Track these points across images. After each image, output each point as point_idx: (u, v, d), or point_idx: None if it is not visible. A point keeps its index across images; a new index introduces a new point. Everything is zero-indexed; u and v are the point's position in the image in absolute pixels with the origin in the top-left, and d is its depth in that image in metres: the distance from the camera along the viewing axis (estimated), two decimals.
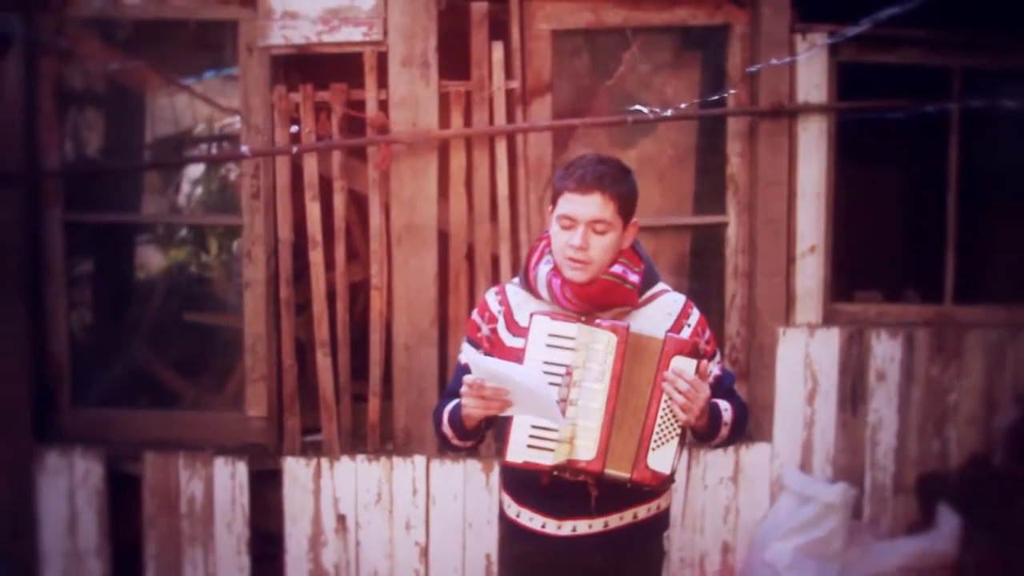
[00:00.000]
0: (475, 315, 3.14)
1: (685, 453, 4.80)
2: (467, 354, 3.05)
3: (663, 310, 3.05)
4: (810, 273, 4.90)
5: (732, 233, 4.95)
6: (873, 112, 4.87)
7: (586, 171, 2.90)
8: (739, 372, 4.92)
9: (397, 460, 4.76)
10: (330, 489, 4.77)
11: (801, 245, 4.87)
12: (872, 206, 5.88)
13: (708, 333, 3.09)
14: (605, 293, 2.94)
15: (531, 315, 2.90)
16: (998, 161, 5.32)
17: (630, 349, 2.83)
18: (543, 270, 3.00)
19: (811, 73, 4.84)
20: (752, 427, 4.91)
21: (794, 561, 4.63)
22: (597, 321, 2.86)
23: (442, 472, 4.75)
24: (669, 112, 4.69)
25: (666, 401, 2.82)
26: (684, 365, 2.82)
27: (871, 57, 4.92)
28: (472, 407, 2.82)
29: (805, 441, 4.91)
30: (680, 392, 2.80)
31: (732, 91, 4.84)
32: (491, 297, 3.13)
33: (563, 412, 2.81)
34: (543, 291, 2.99)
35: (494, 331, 3.07)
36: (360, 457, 4.77)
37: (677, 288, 3.15)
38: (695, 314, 3.08)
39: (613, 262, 2.95)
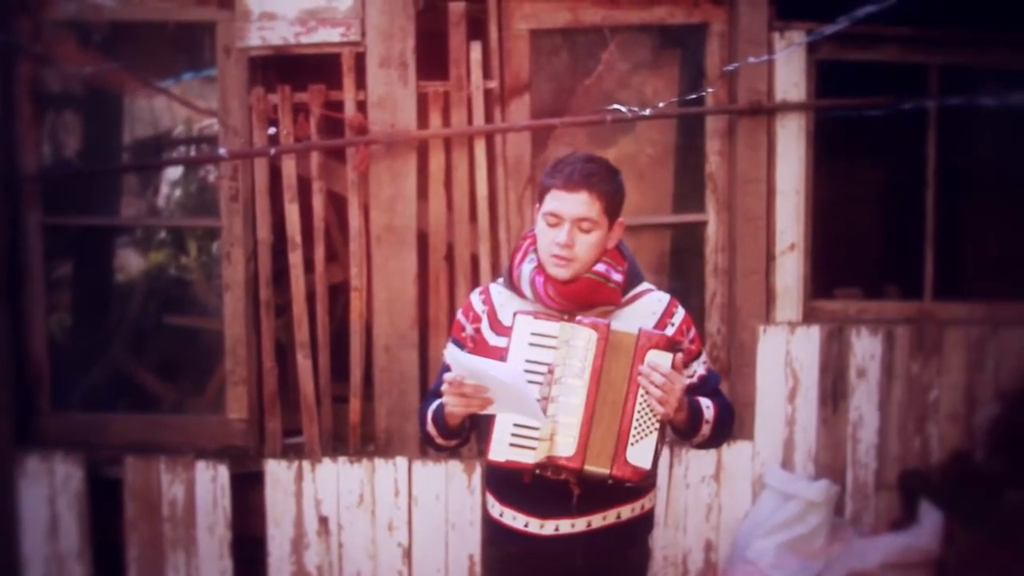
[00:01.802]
0: (460, 315, 3.14)
1: (667, 452, 4.80)
2: (449, 352, 3.05)
3: (647, 309, 3.04)
4: (790, 271, 4.90)
5: (712, 231, 4.95)
6: (851, 110, 4.88)
7: (574, 169, 2.90)
8: (720, 370, 4.91)
9: (379, 461, 4.75)
10: (312, 491, 4.76)
11: (781, 243, 4.88)
12: (851, 203, 5.90)
13: (693, 332, 3.09)
14: (588, 292, 2.94)
15: (514, 314, 2.90)
16: (976, 158, 5.34)
17: (610, 345, 2.82)
18: (527, 268, 3.00)
19: (789, 71, 4.84)
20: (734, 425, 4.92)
21: (777, 558, 4.64)
22: (579, 318, 2.87)
23: (424, 473, 4.75)
24: (648, 111, 4.71)
25: (643, 395, 2.82)
26: (659, 359, 2.82)
27: (849, 55, 4.94)
28: (453, 405, 2.82)
29: (787, 439, 4.92)
30: (655, 385, 2.79)
31: (711, 90, 4.85)
32: (475, 297, 3.13)
33: (544, 410, 2.80)
34: (526, 289, 2.99)
35: (478, 330, 3.07)
36: (342, 459, 4.76)
37: (656, 287, 3.15)
38: (680, 313, 3.07)
39: (597, 261, 2.96)
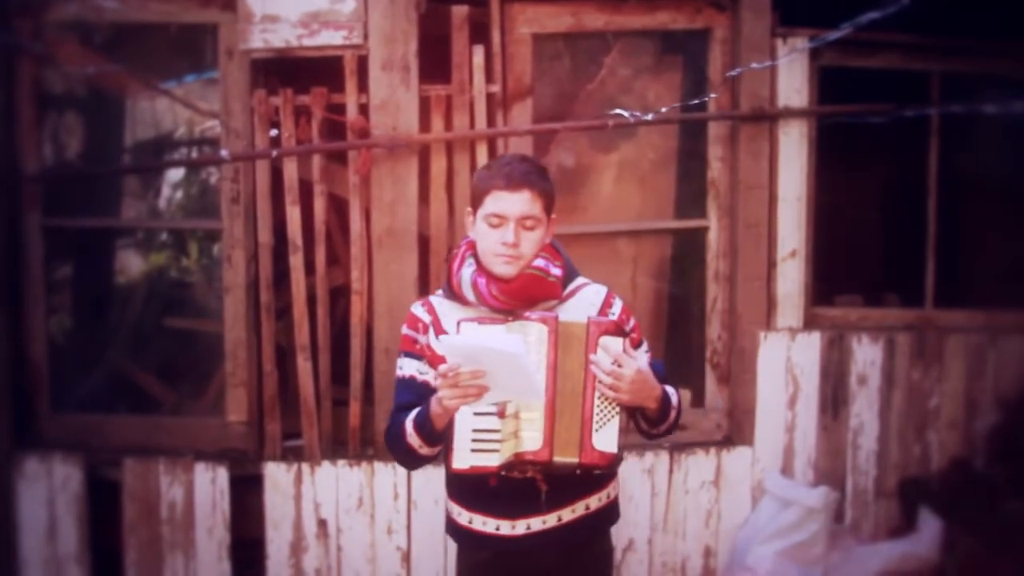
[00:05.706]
0: (406, 330, 3.15)
1: (667, 457, 4.80)
2: (408, 366, 3.11)
3: (587, 301, 3.14)
4: (791, 277, 4.90)
5: (713, 237, 4.94)
6: (853, 116, 4.88)
7: (512, 169, 2.98)
8: (720, 376, 4.93)
9: (378, 465, 4.75)
10: (311, 494, 4.76)
11: (782, 249, 4.88)
12: (853, 210, 5.89)
13: (633, 322, 3.18)
14: (531, 286, 3.01)
15: (458, 323, 2.95)
16: (978, 165, 5.33)
17: (562, 338, 2.89)
18: (467, 272, 3.05)
19: (792, 77, 4.84)
20: (734, 431, 4.93)
21: (776, 565, 4.64)
22: (526, 315, 2.93)
23: (423, 477, 4.73)
24: (650, 116, 4.69)
25: (600, 382, 2.88)
26: (610, 343, 2.89)
27: (852, 61, 4.93)
28: (448, 399, 2.81)
29: (787, 445, 4.91)
30: (606, 372, 2.86)
31: (713, 95, 4.84)
32: (418, 309, 3.17)
33: (503, 412, 2.85)
34: (468, 293, 3.04)
35: (426, 341, 3.10)
36: (341, 462, 4.76)
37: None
38: (618, 303, 3.17)
39: (536, 257, 3.02)
